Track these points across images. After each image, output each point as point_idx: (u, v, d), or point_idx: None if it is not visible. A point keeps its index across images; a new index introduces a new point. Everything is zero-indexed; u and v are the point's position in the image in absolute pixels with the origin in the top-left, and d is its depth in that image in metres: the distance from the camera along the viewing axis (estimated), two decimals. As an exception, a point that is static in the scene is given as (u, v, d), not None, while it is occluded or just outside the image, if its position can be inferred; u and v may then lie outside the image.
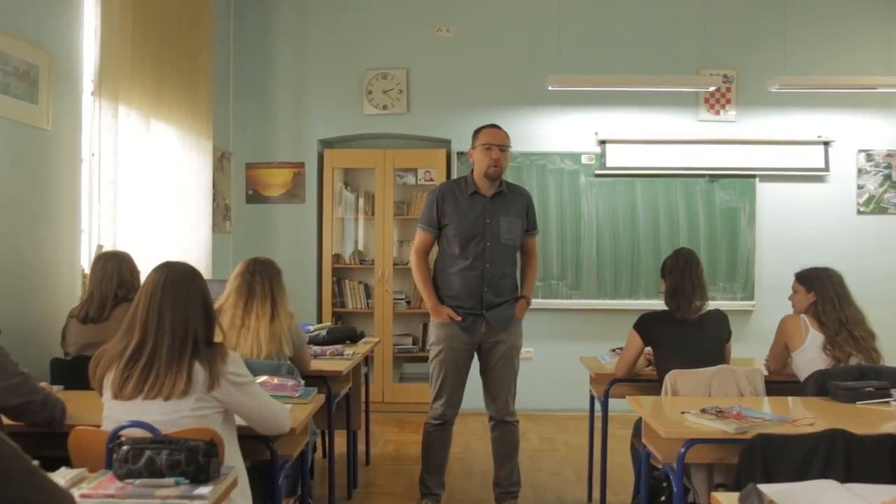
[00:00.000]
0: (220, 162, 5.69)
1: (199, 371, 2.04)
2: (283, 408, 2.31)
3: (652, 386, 3.34)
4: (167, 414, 1.99)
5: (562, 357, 5.62)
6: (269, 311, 3.08)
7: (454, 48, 5.98)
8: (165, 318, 2.05)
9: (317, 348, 3.77)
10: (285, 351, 3.10)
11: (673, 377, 2.92)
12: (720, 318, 3.26)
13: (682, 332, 3.16)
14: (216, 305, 3.16)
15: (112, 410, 2.03)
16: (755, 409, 2.59)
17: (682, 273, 3.19)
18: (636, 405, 2.79)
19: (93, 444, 1.96)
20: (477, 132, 3.60)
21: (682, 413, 2.51)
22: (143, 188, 4.11)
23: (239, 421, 2.21)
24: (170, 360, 2.02)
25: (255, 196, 6.05)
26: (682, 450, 2.35)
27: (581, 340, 5.67)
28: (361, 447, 4.50)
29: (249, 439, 2.29)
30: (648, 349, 3.33)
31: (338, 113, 6.03)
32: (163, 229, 4.41)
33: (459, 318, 3.50)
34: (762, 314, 5.75)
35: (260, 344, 3.03)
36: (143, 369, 2.02)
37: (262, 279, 3.13)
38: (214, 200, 5.51)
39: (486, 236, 3.52)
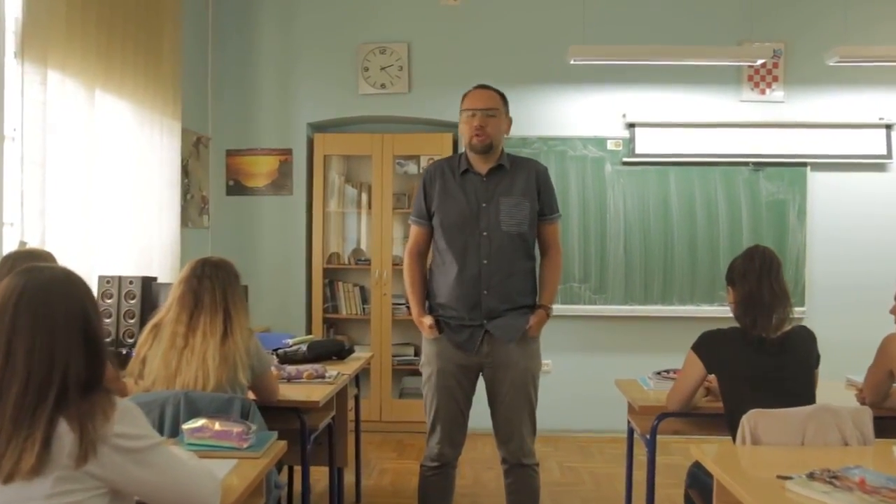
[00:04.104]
0: (196, 148, 5.02)
1: (66, 434, 1.32)
2: (211, 477, 1.59)
3: (713, 421, 2.63)
4: (8, 504, 1.29)
5: (584, 370, 5.11)
6: (219, 328, 2.39)
7: (462, 19, 5.30)
8: (17, 351, 1.34)
9: (292, 369, 3.06)
10: (241, 379, 2.41)
11: (753, 419, 2.18)
12: (808, 336, 2.50)
13: (760, 357, 2.40)
14: (155, 319, 2.48)
15: (-76, 498, 1.33)
16: (873, 468, 1.88)
17: (758, 278, 2.42)
18: (703, 458, 2.08)
19: None
20: (463, 99, 2.88)
21: (780, 478, 1.79)
22: (85, 173, 3.40)
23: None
24: (17, 418, 1.31)
25: (236, 187, 5.38)
26: (790, 539, 1.64)
27: (606, 352, 5.14)
28: (350, 479, 3.80)
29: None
30: (711, 376, 2.59)
31: (330, 93, 5.35)
32: (113, 223, 3.71)
33: (436, 332, 2.82)
34: (814, 322, 4.97)
35: (207, 370, 2.34)
36: (-25, 433, 1.31)
37: (212, 286, 2.43)
38: (189, 191, 4.85)
39: (479, 224, 2.79)
